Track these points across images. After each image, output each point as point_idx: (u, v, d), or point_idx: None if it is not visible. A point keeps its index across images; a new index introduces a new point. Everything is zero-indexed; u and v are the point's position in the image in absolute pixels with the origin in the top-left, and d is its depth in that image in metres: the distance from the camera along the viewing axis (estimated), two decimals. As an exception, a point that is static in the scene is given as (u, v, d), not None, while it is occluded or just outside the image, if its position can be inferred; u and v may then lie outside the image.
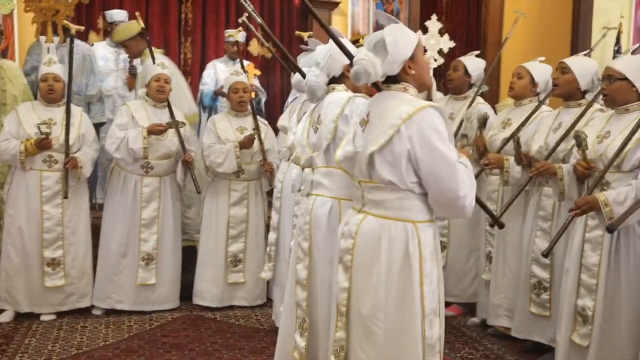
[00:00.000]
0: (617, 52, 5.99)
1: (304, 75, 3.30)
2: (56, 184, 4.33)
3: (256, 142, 4.67)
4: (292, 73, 3.96)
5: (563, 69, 3.69)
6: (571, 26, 6.44)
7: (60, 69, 4.44)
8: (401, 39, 2.41)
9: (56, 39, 5.09)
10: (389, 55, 2.38)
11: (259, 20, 3.60)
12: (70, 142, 4.31)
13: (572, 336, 3.25)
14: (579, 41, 6.38)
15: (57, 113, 4.39)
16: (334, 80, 3.06)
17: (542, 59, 4.19)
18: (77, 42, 5.34)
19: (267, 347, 3.97)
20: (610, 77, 3.17)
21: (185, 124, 4.63)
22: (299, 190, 3.34)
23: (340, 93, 3.00)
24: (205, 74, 6.29)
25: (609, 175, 3.07)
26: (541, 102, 4.05)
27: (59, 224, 4.38)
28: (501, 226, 3.02)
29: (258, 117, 4.88)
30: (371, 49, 2.43)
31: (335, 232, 2.73)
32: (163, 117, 4.61)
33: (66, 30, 4.96)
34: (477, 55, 4.81)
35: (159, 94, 4.60)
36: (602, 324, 3.11)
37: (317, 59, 3.08)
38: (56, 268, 4.38)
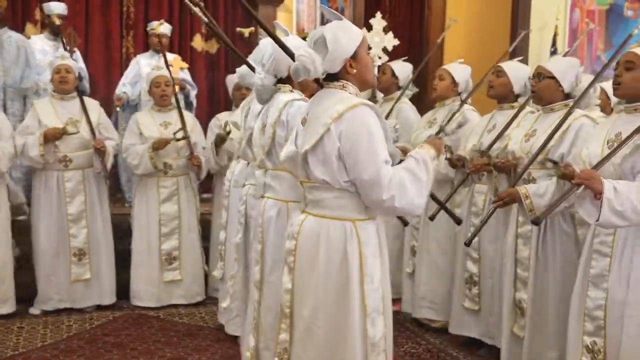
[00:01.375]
0: (553, 53, 6.19)
1: (253, 70, 3.22)
2: None
3: (178, 132, 4.60)
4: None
5: (498, 73, 3.84)
6: (510, 28, 6.62)
7: None
8: (343, 36, 2.36)
9: None
10: (329, 53, 2.34)
11: (204, 19, 3.56)
12: None
13: (513, 328, 3.38)
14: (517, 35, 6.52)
15: None
16: (281, 81, 3.04)
17: (461, 60, 4.47)
18: (10, 33, 5.24)
19: (211, 344, 3.95)
20: (540, 74, 3.30)
21: (77, 131, 4.42)
22: (243, 186, 3.37)
23: (283, 95, 2.98)
24: (127, 70, 6.16)
25: (535, 172, 3.22)
26: (463, 102, 4.22)
27: None
28: (459, 222, 3.09)
29: (184, 111, 4.84)
30: (312, 46, 2.39)
31: (283, 235, 2.71)
32: (73, 109, 4.51)
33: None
34: (416, 57, 4.90)
35: (62, 85, 4.50)
36: (533, 315, 3.24)
37: (262, 60, 3.03)
38: None
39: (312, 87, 2.99)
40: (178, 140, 4.55)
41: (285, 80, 3.04)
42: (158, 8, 6.86)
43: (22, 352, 3.79)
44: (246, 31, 5.73)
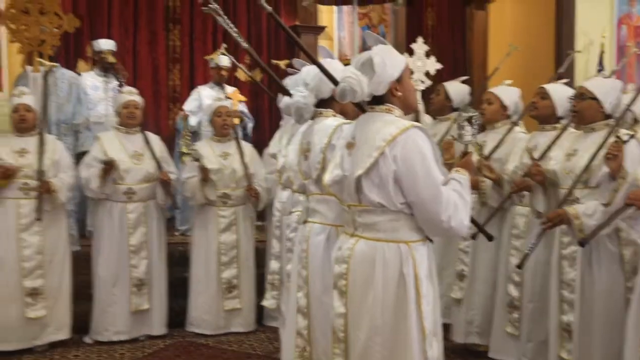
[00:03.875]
0: (599, 72, 6.07)
1: (289, 95, 3.29)
2: (33, 211, 4.25)
3: (241, 167, 4.68)
4: (278, 97, 3.95)
5: (542, 94, 3.80)
6: (554, 47, 6.52)
7: (32, 100, 4.45)
8: (389, 60, 2.41)
9: (43, 69, 5.04)
10: (376, 75, 2.38)
11: (244, 45, 3.61)
12: (45, 169, 4.28)
13: (560, 353, 3.30)
14: (563, 57, 6.40)
15: (30, 142, 4.36)
16: (322, 103, 3.05)
17: (509, 82, 4.34)
18: (63, 70, 5.41)
19: (261, 372, 3.94)
20: (582, 95, 3.29)
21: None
22: (290, 213, 3.37)
23: (329, 120, 2.98)
24: (189, 99, 6.30)
25: (578, 192, 3.17)
26: (514, 124, 4.14)
27: (39, 252, 4.29)
28: (490, 238, 3.04)
29: (243, 142, 4.91)
30: (358, 68, 2.42)
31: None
32: (137, 143, 4.62)
33: (50, 59, 4.97)
34: (463, 80, 4.96)
35: (129, 120, 4.62)
36: (580, 337, 3.16)
37: (306, 79, 3.05)
38: (37, 298, 4.27)
39: (352, 111, 3.00)
40: (195, 160, 4.59)
41: (326, 102, 3.04)
42: (203, 42, 7.07)
43: (77, 381, 3.85)
44: (282, 63, 5.80)
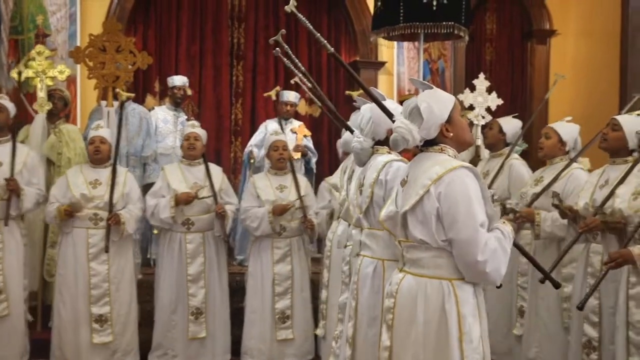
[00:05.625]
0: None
1: (352, 132, 3.35)
2: (102, 241, 4.42)
3: (297, 201, 4.74)
4: (342, 132, 4.05)
5: (614, 126, 3.67)
6: (619, 82, 6.40)
7: (107, 133, 4.65)
8: (435, 104, 2.46)
9: (116, 103, 5.30)
10: (425, 122, 2.45)
11: (308, 84, 3.72)
12: (115, 201, 4.45)
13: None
14: (628, 94, 6.31)
15: (103, 173, 4.53)
16: (378, 143, 3.13)
17: (569, 118, 4.32)
18: (134, 105, 5.66)
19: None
20: None
21: (210, 194, 4.67)
22: (345, 247, 3.46)
23: (381, 156, 3.06)
24: (256, 134, 6.41)
25: None
26: (572, 160, 4.10)
27: (105, 280, 4.46)
28: (557, 286, 2.97)
29: (299, 175, 4.98)
30: (407, 116, 2.50)
31: (379, 293, 2.81)
32: (199, 174, 4.75)
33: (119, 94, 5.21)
34: (519, 114, 5.03)
35: (190, 151, 4.77)
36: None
37: (361, 124, 3.14)
38: (104, 325, 4.44)
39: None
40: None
41: (383, 142, 3.12)
42: (265, 76, 7.23)
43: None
44: (355, 94, 5.89)
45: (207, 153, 6.58)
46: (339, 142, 5.13)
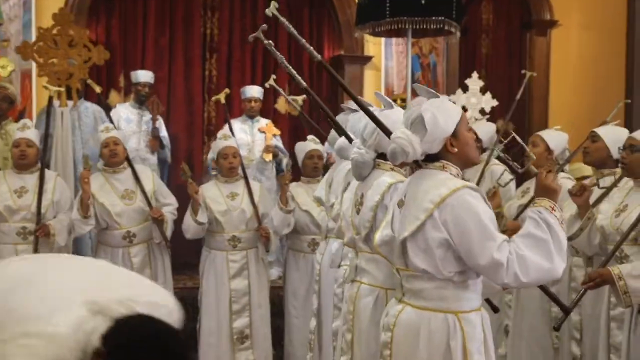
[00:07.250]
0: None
1: (350, 140, 3.09)
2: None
3: (250, 207, 4.41)
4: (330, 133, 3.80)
5: (593, 137, 3.68)
6: (625, 80, 6.06)
7: (35, 134, 4.22)
8: (441, 116, 2.27)
9: (70, 103, 5.00)
10: (428, 134, 2.25)
11: (303, 83, 3.26)
12: (43, 210, 4.06)
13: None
14: (634, 90, 6.06)
15: (29, 180, 4.14)
16: (381, 156, 2.85)
17: (558, 127, 4.31)
18: (87, 104, 5.32)
19: None
20: (632, 146, 3.14)
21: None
22: (339, 266, 3.28)
23: (386, 175, 2.80)
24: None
25: (628, 249, 3.05)
26: (559, 169, 3.98)
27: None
28: (567, 312, 2.82)
29: (252, 181, 4.65)
30: (409, 127, 2.30)
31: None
32: (127, 181, 4.34)
33: (86, 89, 4.99)
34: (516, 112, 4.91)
35: (112, 158, 4.31)
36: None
37: (364, 134, 2.85)
38: None
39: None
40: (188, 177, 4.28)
41: (386, 155, 2.76)
42: (241, 72, 6.83)
43: None
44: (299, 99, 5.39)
45: (179, 153, 6.26)
46: (334, 147, 4.69)
